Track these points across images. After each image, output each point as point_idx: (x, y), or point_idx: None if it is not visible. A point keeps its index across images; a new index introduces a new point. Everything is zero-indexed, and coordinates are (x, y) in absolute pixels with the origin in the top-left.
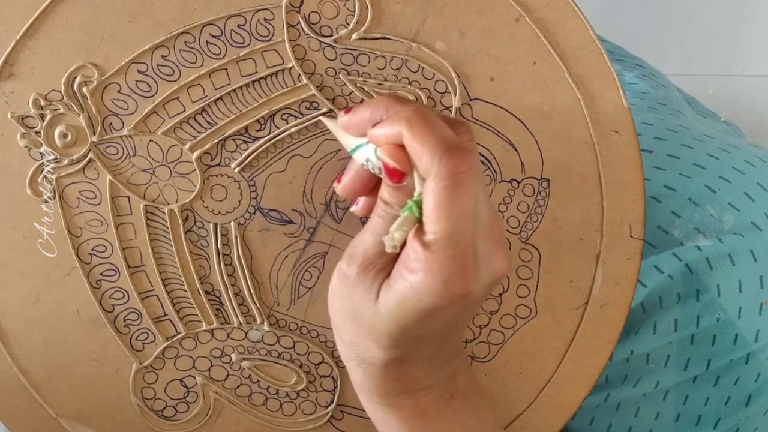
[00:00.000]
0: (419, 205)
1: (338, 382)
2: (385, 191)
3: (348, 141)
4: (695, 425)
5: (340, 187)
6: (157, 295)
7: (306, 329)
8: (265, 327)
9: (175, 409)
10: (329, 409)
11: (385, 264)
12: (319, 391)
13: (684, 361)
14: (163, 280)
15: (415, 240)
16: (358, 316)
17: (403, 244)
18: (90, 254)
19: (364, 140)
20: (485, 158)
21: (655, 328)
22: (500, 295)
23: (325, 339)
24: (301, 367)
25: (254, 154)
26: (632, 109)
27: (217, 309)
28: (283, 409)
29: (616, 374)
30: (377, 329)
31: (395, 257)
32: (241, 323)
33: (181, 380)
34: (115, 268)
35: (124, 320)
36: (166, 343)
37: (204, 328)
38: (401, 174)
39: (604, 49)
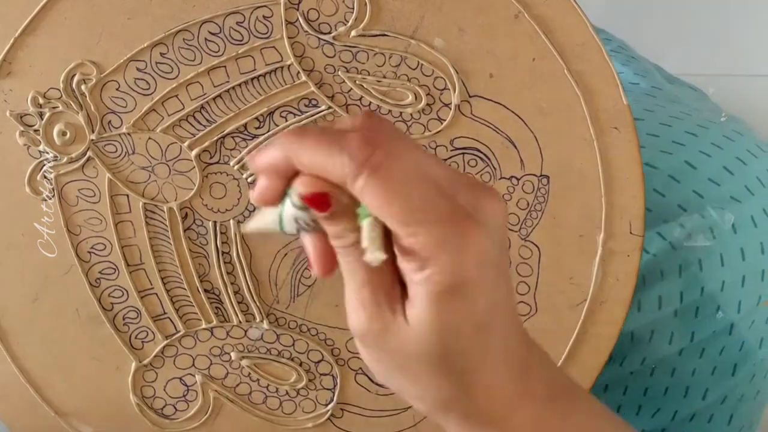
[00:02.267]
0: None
1: (338, 380)
2: (330, 230)
3: (269, 218)
4: (684, 397)
5: (321, 273)
6: (156, 294)
7: (305, 327)
8: (265, 325)
9: (175, 408)
10: (329, 407)
11: (388, 297)
12: (318, 389)
13: (668, 336)
14: (162, 279)
15: (394, 244)
16: (403, 358)
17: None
18: (89, 252)
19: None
20: (485, 155)
21: (640, 305)
22: None
23: (325, 337)
24: (300, 365)
25: (253, 151)
26: None
27: (216, 307)
28: (283, 408)
29: None
30: (425, 352)
31: (391, 283)
32: (240, 321)
33: (180, 378)
34: (114, 266)
35: (124, 318)
36: (166, 342)
37: (203, 326)
38: (325, 196)
39: (606, 48)
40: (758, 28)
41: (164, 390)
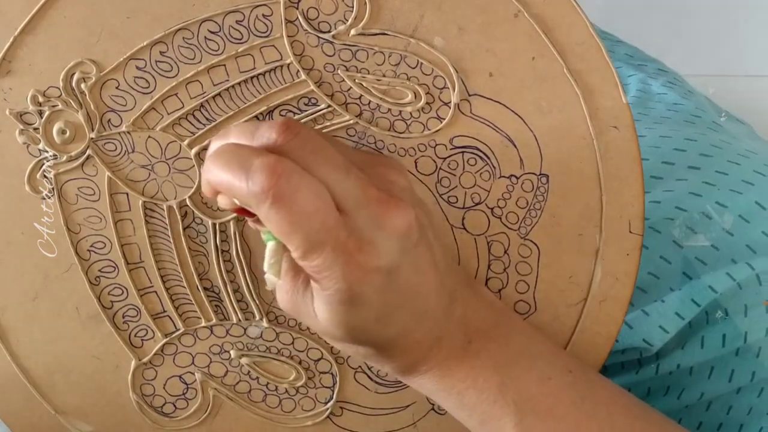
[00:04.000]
0: None
1: (337, 379)
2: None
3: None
4: None
5: None
6: (156, 292)
7: (304, 325)
8: (264, 323)
9: (174, 406)
10: (328, 405)
11: (304, 284)
12: (318, 388)
13: (728, 373)
14: (162, 277)
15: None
16: (321, 333)
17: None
18: (89, 251)
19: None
20: (484, 154)
21: (703, 342)
22: (499, 291)
23: None
24: (300, 363)
25: None
26: (668, 122)
27: (216, 305)
28: (282, 406)
29: (659, 386)
30: (338, 334)
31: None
32: (240, 320)
33: (180, 377)
34: (114, 265)
35: (123, 317)
36: (165, 340)
37: (203, 324)
38: (240, 210)
39: (622, 52)
40: (758, 28)
41: (164, 388)
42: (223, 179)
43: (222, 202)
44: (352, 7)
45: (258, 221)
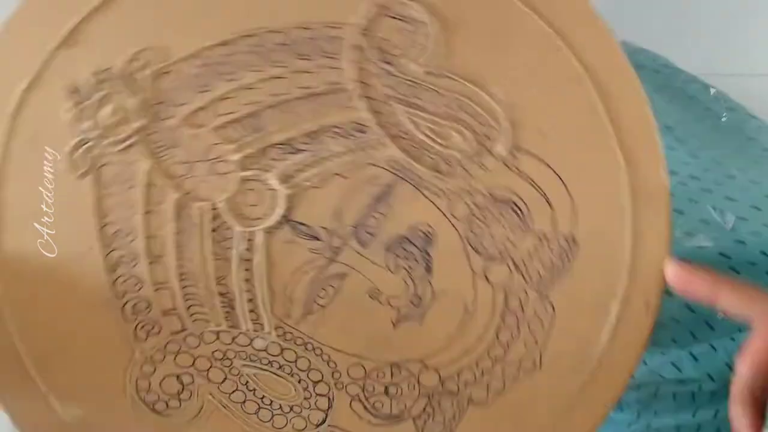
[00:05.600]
0: None
1: (333, 403)
2: None
3: None
4: None
5: None
6: (170, 288)
7: (311, 346)
8: (273, 336)
9: (167, 405)
10: (320, 428)
11: None
12: (312, 409)
13: None
14: (180, 274)
15: None
16: None
17: None
18: (112, 236)
19: None
20: (520, 209)
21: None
22: (507, 343)
23: (328, 359)
24: (299, 382)
25: (296, 166)
26: None
27: (227, 311)
28: (274, 421)
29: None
30: None
31: None
32: (248, 329)
33: (177, 376)
34: (135, 255)
35: (133, 308)
36: (170, 337)
37: (211, 328)
38: None
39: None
40: (758, 28)
41: (159, 385)
42: None
43: None
44: (425, 45)
45: None
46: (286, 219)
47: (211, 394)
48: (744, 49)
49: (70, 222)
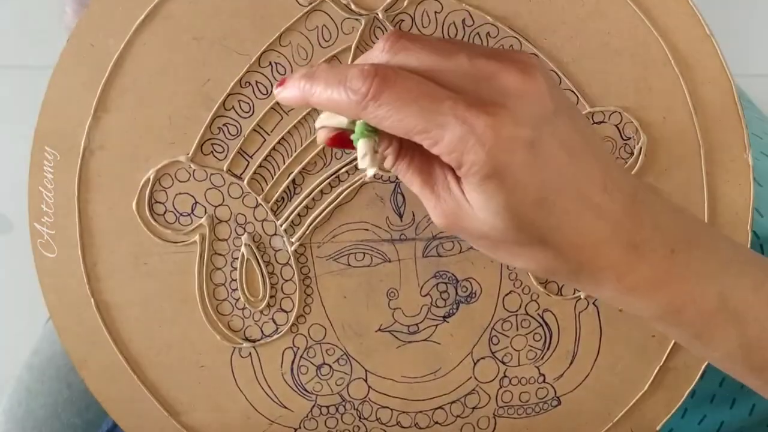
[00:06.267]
0: (365, 125)
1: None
2: None
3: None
4: None
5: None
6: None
7: (308, 282)
8: (290, 247)
9: (177, 218)
10: (281, 329)
11: (443, 186)
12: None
13: None
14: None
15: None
16: (487, 239)
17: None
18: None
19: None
20: (550, 335)
21: (752, 410)
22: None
23: (311, 302)
24: (273, 295)
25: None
26: None
27: (282, 198)
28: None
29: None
30: (503, 225)
31: (440, 175)
32: (280, 224)
33: (195, 200)
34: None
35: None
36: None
37: (259, 196)
38: (343, 136)
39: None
40: (758, 28)
41: (173, 202)
42: (324, 100)
43: (320, 136)
44: None
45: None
46: (398, 180)
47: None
48: (744, 49)
49: None
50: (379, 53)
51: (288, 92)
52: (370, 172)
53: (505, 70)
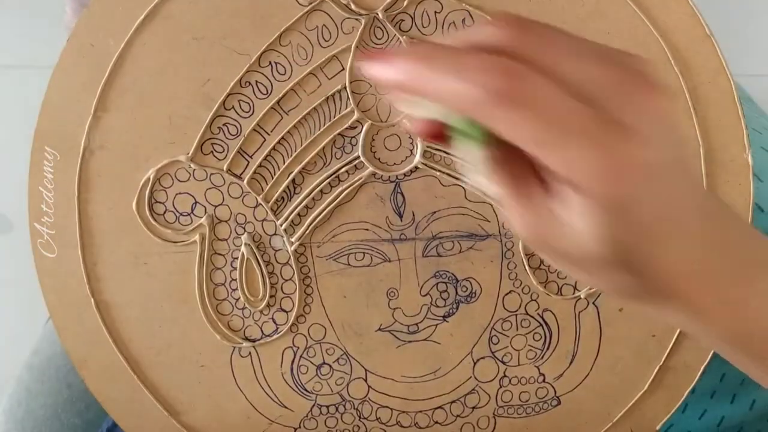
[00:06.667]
0: (480, 128)
1: (295, 307)
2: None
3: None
4: None
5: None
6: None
7: (308, 282)
8: (290, 247)
9: (177, 217)
10: (281, 329)
11: (538, 197)
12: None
13: None
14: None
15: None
16: (573, 259)
17: None
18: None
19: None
20: (550, 335)
21: (753, 405)
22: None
23: (311, 302)
24: (272, 295)
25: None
26: None
27: (282, 198)
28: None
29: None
30: (599, 251)
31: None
32: (279, 225)
33: (195, 200)
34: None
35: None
36: (222, 169)
37: (259, 196)
38: (439, 130)
39: None
40: (758, 28)
41: (173, 201)
42: (440, 91)
43: (413, 127)
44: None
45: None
46: (399, 180)
47: (205, 240)
48: (744, 49)
49: None
50: (497, 39)
51: (392, 73)
52: (476, 179)
53: (638, 85)
